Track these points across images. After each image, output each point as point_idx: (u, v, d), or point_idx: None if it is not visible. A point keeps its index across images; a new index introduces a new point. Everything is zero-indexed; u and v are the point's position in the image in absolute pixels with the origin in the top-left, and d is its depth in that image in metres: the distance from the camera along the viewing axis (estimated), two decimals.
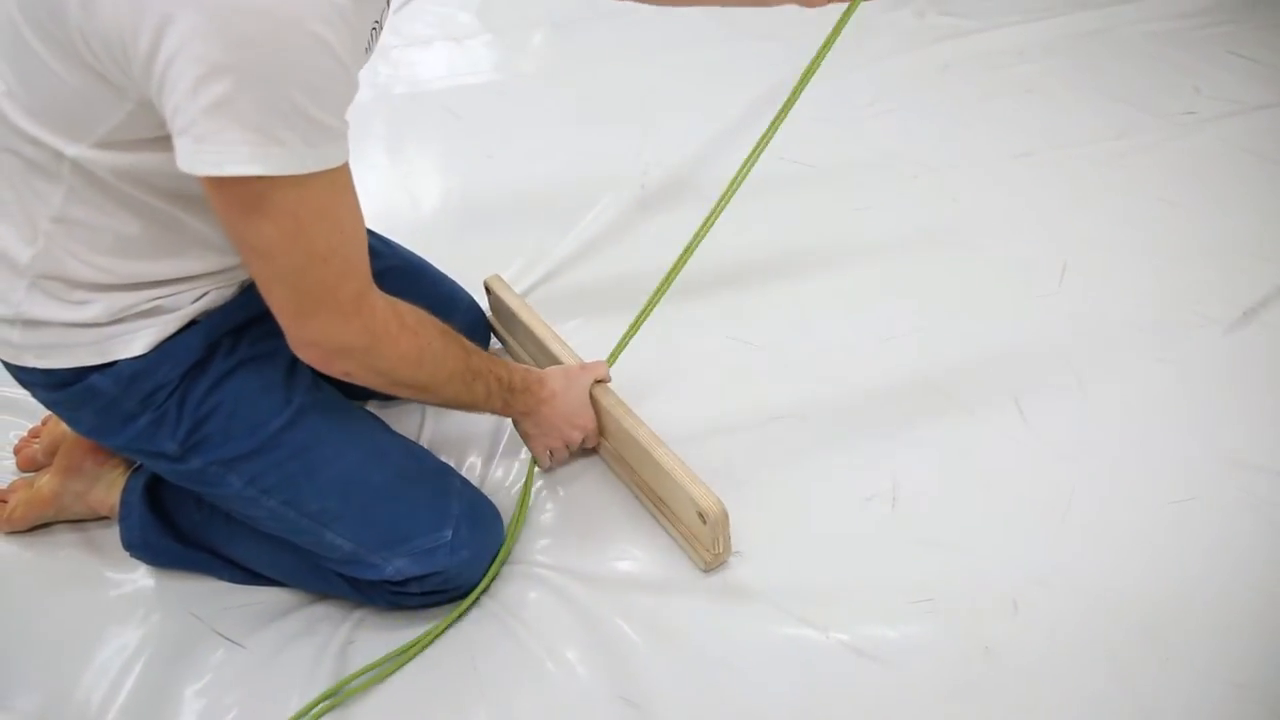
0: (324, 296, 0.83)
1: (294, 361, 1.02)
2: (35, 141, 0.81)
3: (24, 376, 0.94)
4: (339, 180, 0.80)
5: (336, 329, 0.85)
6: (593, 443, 1.22)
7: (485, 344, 1.41)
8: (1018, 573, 1.11)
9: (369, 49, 0.85)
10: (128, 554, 1.11)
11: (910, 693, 1.00)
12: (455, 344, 0.99)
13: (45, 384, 0.93)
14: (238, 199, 0.76)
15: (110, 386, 0.91)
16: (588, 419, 1.18)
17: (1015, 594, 1.08)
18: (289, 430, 0.98)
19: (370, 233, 1.28)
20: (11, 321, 0.89)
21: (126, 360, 0.91)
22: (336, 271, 0.82)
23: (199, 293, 0.94)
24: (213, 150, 0.72)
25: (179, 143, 0.73)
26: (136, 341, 0.91)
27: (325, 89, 0.74)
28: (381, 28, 0.89)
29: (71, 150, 0.80)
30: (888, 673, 1.01)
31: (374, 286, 0.88)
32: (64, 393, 0.93)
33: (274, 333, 0.93)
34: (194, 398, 0.94)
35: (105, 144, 0.80)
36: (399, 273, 1.26)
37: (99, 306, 0.88)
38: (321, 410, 1.02)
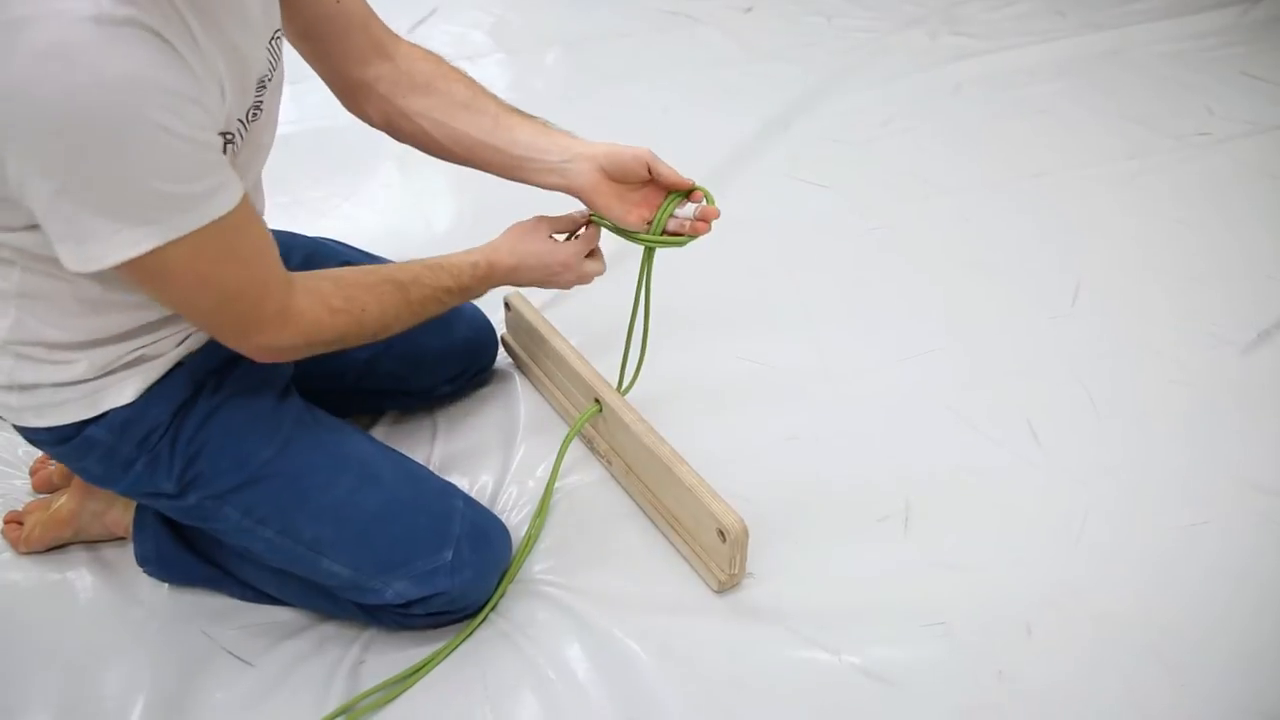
0: (250, 322, 0.87)
1: (283, 392, 1.05)
2: None
3: (27, 434, 0.96)
4: (228, 223, 0.79)
5: (273, 339, 0.89)
6: (592, 275, 1.16)
7: (492, 356, 1.41)
8: (1031, 595, 1.10)
9: (224, 95, 0.82)
10: (141, 569, 1.12)
11: (922, 716, 0.99)
12: (388, 290, 0.98)
13: (48, 440, 0.95)
14: (139, 274, 0.78)
15: (106, 435, 0.94)
16: (561, 261, 1.12)
17: (1028, 617, 1.08)
18: (279, 460, 0.99)
19: (359, 252, 1.29)
20: (8, 388, 0.91)
21: (117, 409, 0.93)
22: (253, 300, 0.85)
23: (180, 337, 0.96)
24: (92, 247, 0.73)
25: (60, 250, 0.75)
26: (125, 390, 0.93)
27: (182, 167, 0.74)
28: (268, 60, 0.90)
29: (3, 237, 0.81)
30: (900, 696, 1.01)
31: (294, 289, 0.89)
32: (66, 446, 0.95)
33: (259, 365, 0.95)
34: (184, 436, 0.96)
35: (24, 228, 0.80)
36: None
37: (84, 364, 0.90)
38: (312, 438, 1.03)
